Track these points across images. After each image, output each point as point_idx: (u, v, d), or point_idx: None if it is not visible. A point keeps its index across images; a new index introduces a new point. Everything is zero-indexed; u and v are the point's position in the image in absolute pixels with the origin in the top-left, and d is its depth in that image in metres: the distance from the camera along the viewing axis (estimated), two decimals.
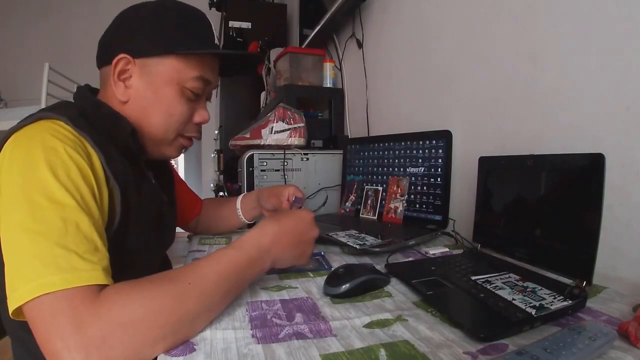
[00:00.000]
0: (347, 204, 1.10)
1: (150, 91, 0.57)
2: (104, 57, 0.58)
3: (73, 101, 0.59)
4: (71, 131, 0.49)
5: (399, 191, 0.95)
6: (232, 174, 1.68)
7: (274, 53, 1.77)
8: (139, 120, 0.58)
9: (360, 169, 1.10)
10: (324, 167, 1.21)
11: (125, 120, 0.57)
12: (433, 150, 0.89)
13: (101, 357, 0.35)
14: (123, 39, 0.57)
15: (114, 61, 0.56)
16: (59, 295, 0.37)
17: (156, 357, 0.39)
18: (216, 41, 0.62)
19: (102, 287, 0.40)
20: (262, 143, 1.16)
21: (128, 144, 0.56)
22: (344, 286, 0.52)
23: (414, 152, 0.94)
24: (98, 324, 0.36)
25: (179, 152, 0.65)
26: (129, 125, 0.56)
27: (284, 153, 1.15)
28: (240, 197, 0.89)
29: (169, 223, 0.70)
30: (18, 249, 0.40)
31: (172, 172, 0.77)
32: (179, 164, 5.32)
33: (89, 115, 0.54)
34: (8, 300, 0.38)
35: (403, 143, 0.97)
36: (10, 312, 0.38)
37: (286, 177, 1.15)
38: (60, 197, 0.42)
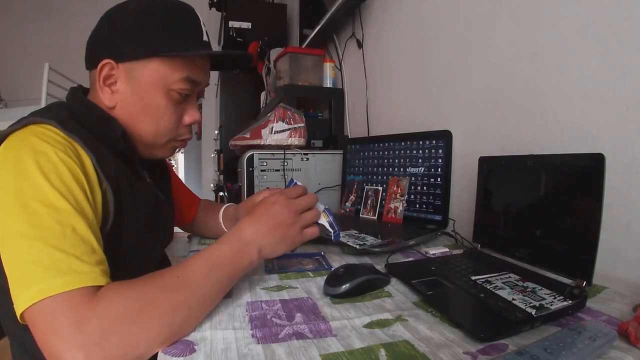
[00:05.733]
0: (347, 204, 1.10)
1: (137, 96, 0.56)
2: (91, 60, 0.57)
3: (66, 102, 0.58)
4: (61, 134, 0.49)
5: (399, 191, 0.95)
6: (232, 174, 1.68)
7: (274, 53, 1.77)
8: (128, 124, 0.58)
9: (360, 169, 1.10)
10: (324, 167, 1.20)
11: (116, 122, 0.56)
12: (433, 150, 0.89)
13: (101, 354, 0.36)
14: (106, 43, 0.55)
15: (99, 67, 0.55)
16: (59, 297, 0.38)
17: (155, 357, 0.39)
18: (205, 37, 0.60)
19: (100, 287, 0.41)
20: (262, 143, 1.16)
21: (120, 144, 0.56)
22: (344, 286, 0.52)
23: (414, 152, 0.94)
24: (96, 321, 0.37)
25: (171, 153, 0.65)
26: (120, 127, 0.56)
27: (284, 153, 1.15)
28: (222, 210, 0.86)
29: (165, 221, 0.69)
30: (17, 256, 0.40)
31: (168, 170, 0.77)
32: (179, 164, 5.32)
33: (81, 116, 0.54)
34: (14, 307, 0.39)
35: (403, 143, 0.97)
36: (18, 317, 0.39)
37: (286, 177, 1.15)
38: (54, 201, 0.43)
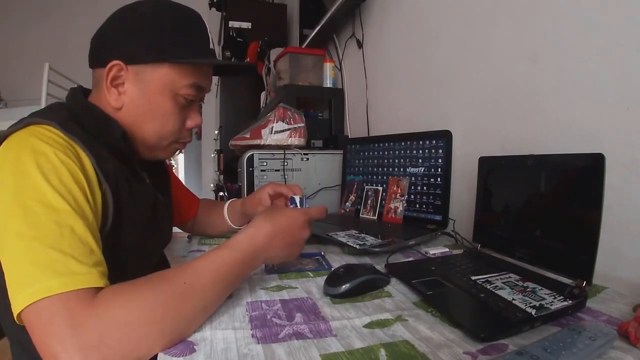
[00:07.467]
0: (347, 204, 1.10)
1: (144, 99, 0.57)
2: (97, 59, 0.57)
3: (66, 102, 0.58)
4: (60, 135, 0.49)
5: (399, 191, 0.95)
6: (232, 174, 1.68)
7: (274, 53, 1.77)
8: (132, 126, 0.58)
9: (360, 169, 1.10)
10: (324, 167, 1.20)
11: (116, 123, 0.56)
12: (433, 150, 0.89)
13: (99, 357, 0.36)
14: (116, 44, 0.55)
15: (107, 67, 0.54)
16: (56, 298, 0.37)
17: (155, 357, 0.39)
18: (211, 45, 0.61)
19: (99, 289, 0.40)
20: (262, 143, 1.16)
21: (120, 145, 0.56)
22: (344, 286, 0.52)
23: (414, 152, 0.94)
24: (95, 324, 0.36)
25: (172, 154, 0.66)
26: (120, 128, 0.56)
27: (284, 153, 1.15)
28: (226, 205, 0.88)
29: (164, 222, 0.70)
30: (15, 256, 0.40)
31: (167, 171, 0.77)
32: (179, 164, 5.32)
33: (81, 117, 0.54)
34: (12, 307, 0.39)
35: (403, 143, 0.97)
36: (15, 318, 0.39)
37: (286, 177, 1.15)
38: (53, 202, 0.42)
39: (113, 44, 0.56)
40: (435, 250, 0.75)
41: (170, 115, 0.59)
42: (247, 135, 1.19)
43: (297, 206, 0.71)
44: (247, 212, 0.83)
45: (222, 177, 2.19)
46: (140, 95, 0.57)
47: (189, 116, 0.63)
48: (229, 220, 0.87)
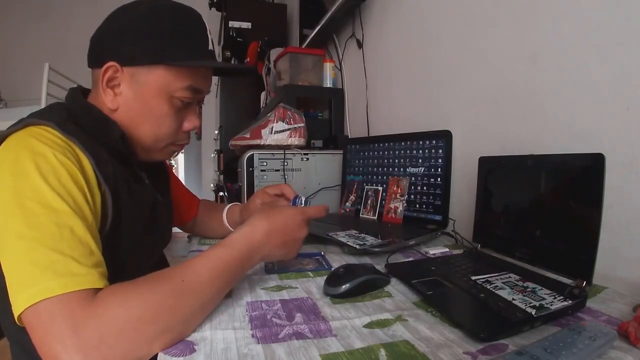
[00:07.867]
0: (347, 204, 1.10)
1: (139, 101, 0.56)
2: (95, 59, 0.57)
3: (65, 103, 0.58)
4: (59, 136, 0.49)
5: (399, 191, 0.95)
6: (232, 174, 1.67)
7: (274, 53, 1.77)
8: (129, 128, 0.58)
9: (360, 169, 1.10)
10: (324, 167, 1.20)
11: (114, 124, 0.56)
12: (433, 150, 0.89)
13: (100, 357, 0.36)
14: (112, 45, 0.55)
15: (103, 69, 0.54)
16: (56, 300, 0.37)
17: (155, 357, 0.39)
18: (210, 46, 0.60)
19: (99, 290, 0.40)
20: (262, 143, 1.16)
21: (118, 146, 0.56)
22: (344, 286, 0.52)
23: (414, 152, 0.94)
24: (95, 324, 0.37)
25: (169, 156, 0.65)
26: (118, 129, 0.56)
27: (284, 153, 1.15)
28: (225, 212, 0.87)
29: (164, 223, 0.69)
30: (15, 257, 0.40)
31: (167, 171, 0.77)
32: (179, 164, 5.33)
33: (79, 118, 0.54)
34: (12, 308, 0.39)
35: (403, 143, 0.97)
36: (16, 319, 0.39)
37: (286, 177, 1.15)
38: (53, 203, 0.42)
39: (110, 45, 0.55)
40: (435, 250, 0.75)
41: (165, 117, 0.58)
42: (247, 135, 1.19)
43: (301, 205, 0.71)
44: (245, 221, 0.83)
45: (222, 177, 2.19)
46: (135, 97, 0.56)
47: (186, 118, 0.62)
48: (228, 226, 0.86)
